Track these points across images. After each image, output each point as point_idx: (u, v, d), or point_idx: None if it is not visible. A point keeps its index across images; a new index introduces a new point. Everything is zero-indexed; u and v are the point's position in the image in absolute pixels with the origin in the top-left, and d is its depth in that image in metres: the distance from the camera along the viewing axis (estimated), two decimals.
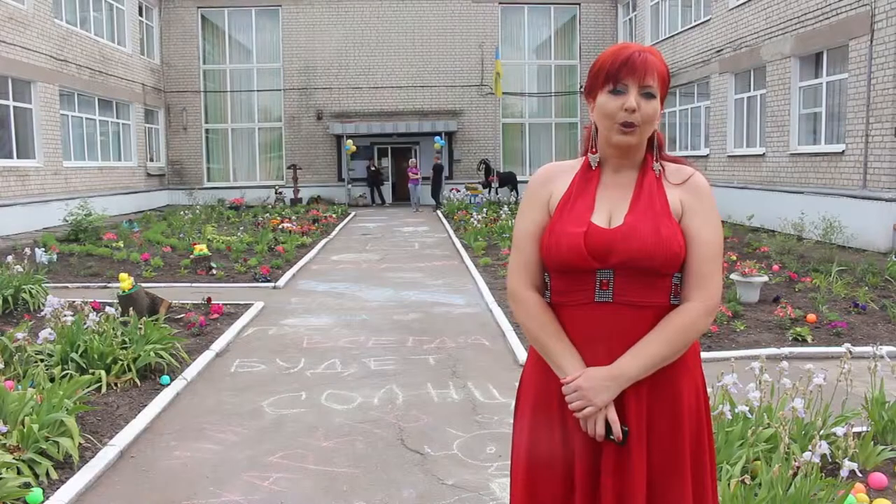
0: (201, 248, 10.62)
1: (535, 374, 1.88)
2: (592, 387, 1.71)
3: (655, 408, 1.76)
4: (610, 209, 1.81)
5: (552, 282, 1.84)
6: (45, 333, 4.99)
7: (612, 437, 1.73)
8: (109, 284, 8.93)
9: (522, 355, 5.89)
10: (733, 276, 7.90)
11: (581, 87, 25.44)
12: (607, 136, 1.81)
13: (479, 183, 24.26)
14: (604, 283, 1.76)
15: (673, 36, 20.63)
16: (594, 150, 1.88)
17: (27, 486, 3.47)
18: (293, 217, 18.27)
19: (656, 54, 1.80)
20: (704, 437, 1.82)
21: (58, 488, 3.55)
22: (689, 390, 1.80)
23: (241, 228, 16.07)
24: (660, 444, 1.75)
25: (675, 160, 1.90)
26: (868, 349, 4.53)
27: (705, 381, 1.89)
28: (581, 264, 1.75)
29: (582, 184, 1.86)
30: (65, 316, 5.47)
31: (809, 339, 6.22)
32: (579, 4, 25.53)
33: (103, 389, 4.94)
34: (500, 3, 25.37)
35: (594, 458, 1.77)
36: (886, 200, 11.44)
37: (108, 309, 5.81)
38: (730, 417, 3.55)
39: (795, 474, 3.09)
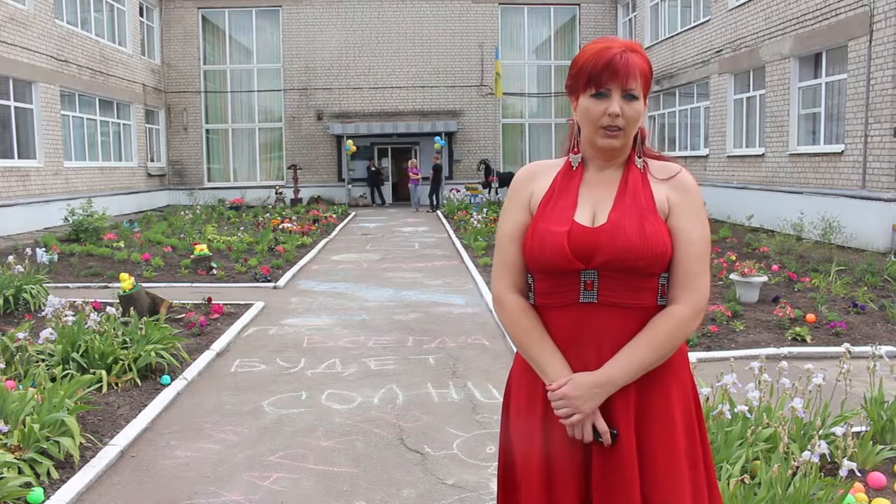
0: (202, 248, 10.63)
1: (522, 377, 1.85)
2: (579, 395, 1.68)
3: (645, 410, 1.73)
4: (594, 206, 1.77)
5: (536, 283, 1.81)
6: (45, 333, 5.01)
7: (599, 439, 1.70)
8: (110, 284, 8.94)
9: None
10: (732, 276, 7.91)
11: None
12: (591, 139, 1.78)
13: (479, 183, 24.28)
14: (588, 283, 1.71)
15: (672, 36, 20.64)
16: (576, 149, 1.84)
17: (28, 485, 3.48)
18: (293, 217, 18.28)
19: (638, 51, 1.76)
20: (696, 436, 1.79)
21: (59, 488, 3.56)
22: (678, 391, 1.76)
23: (242, 228, 16.08)
24: (653, 447, 1.71)
25: (659, 157, 1.86)
26: (867, 349, 4.54)
27: (694, 379, 1.86)
28: (564, 265, 1.71)
29: (564, 181, 1.82)
30: (66, 316, 5.48)
31: (809, 339, 6.22)
32: (579, 5, 25.55)
33: (104, 389, 4.95)
34: (499, 4, 25.38)
35: (584, 459, 1.74)
36: (885, 200, 11.44)
37: (108, 309, 5.82)
38: (729, 417, 3.55)
39: (795, 474, 3.10)
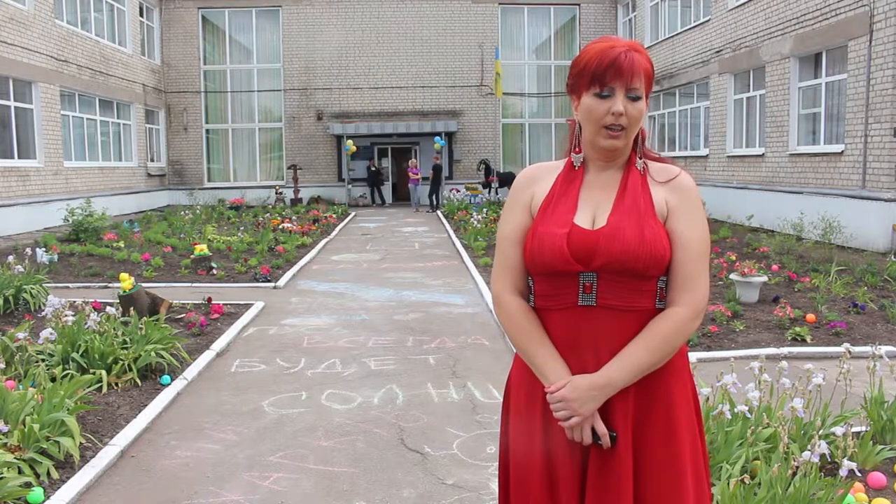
0: (202, 248, 10.63)
1: (522, 378, 1.85)
2: (578, 397, 1.67)
3: (645, 411, 1.72)
4: (594, 209, 1.77)
5: (535, 285, 1.81)
6: (45, 333, 5.00)
7: (598, 441, 1.70)
8: (110, 284, 8.94)
9: None
10: (732, 276, 7.91)
11: None
12: (593, 140, 1.78)
13: (479, 183, 24.28)
14: (587, 286, 1.71)
15: (672, 36, 20.63)
16: (578, 149, 1.84)
17: (28, 485, 3.48)
18: (293, 217, 18.28)
19: (642, 51, 1.75)
20: (698, 440, 1.78)
21: (59, 488, 3.56)
22: (680, 391, 1.76)
23: (242, 228, 16.08)
24: (654, 449, 1.71)
25: (659, 159, 1.86)
26: (867, 349, 4.54)
27: (694, 381, 1.85)
28: (564, 267, 1.71)
29: (565, 184, 1.82)
30: (66, 316, 5.48)
31: (808, 338, 6.22)
32: (579, 5, 25.55)
33: (104, 389, 4.95)
34: (499, 4, 25.38)
35: (584, 460, 1.74)
36: (885, 200, 11.44)
37: (108, 309, 5.82)
38: (729, 417, 3.55)
39: (795, 474, 3.10)
